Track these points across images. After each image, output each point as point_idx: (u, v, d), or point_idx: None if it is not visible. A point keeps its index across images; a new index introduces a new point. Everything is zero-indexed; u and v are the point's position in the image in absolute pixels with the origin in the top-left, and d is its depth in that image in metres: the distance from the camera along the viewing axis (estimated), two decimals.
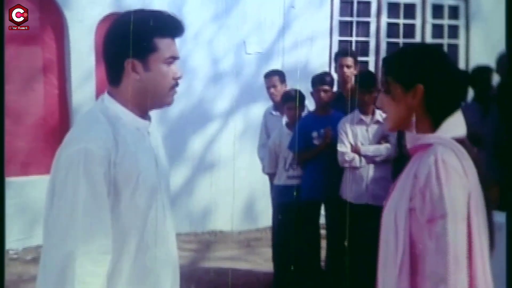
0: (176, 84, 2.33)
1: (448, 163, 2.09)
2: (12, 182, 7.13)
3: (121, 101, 2.29)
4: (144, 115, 2.36)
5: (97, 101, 2.34)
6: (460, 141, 2.19)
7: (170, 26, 2.31)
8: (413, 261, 2.15)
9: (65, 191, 2.11)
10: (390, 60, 2.35)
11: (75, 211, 2.08)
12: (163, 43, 2.27)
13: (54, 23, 7.68)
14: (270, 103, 6.78)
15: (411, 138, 2.27)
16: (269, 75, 6.68)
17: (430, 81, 2.20)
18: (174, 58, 2.32)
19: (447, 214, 2.04)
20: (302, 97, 6.14)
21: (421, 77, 2.20)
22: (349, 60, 6.40)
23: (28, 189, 7.25)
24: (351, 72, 6.32)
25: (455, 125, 2.21)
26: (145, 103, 2.31)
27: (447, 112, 2.21)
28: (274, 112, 6.63)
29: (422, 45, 2.47)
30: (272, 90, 6.55)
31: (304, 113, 6.18)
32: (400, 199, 2.20)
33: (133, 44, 2.23)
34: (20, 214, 7.23)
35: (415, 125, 2.24)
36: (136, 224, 2.21)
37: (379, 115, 5.70)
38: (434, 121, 2.22)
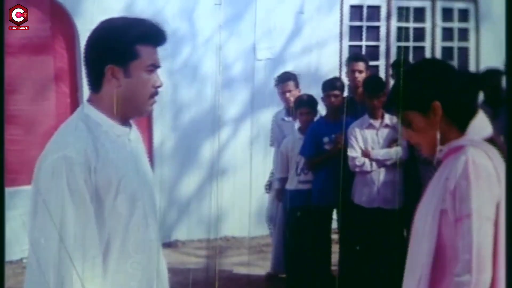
0: (156, 93, 2.32)
1: (479, 164, 2.11)
2: (25, 190, 7.16)
3: (100, 108, 2.28)
4: (125, 122, 2.35)
5: (78, 109, 2.34)
6: (489, 140, 2.21)
7: (153, 34, 2.30)
8: (441, 264, 2.16)
9: (48, 200, 2.12)
10: (395, 97, 2.35)
11: (61, 219, 2.10)
12: (144, 51, 2.27)
13: (65, 32, 7.72)
14: (277, 109, 6.81)
15: (444, 149, 2.27)
16: (283, 80, 6.67)
17: (441, 93, 2.22)
18: (155, 66, 2.31)
19: (472, 213, 2.06)
20: (314, 102, 6.16)
21: (432, 94, 2.22)
22: (360, 65, 6.39)
23: None
24: (362, 77, 6.31)
25: (481, 126, 2.23)
26: (124, 110, 2.30)
27: (469, 115, 2.23)
28: (286, 118, 6.62)
29: (416, 66, 2.48)
30: (287, 95, 6.53)
31: (316, 118, 6.20)
32: (430, 202, 2.22)
33: (114, 50, 2.24)
34: None
35: (440, 138, 2.25)
36: (118, 230, 2.22)
37: (389, 119, 5.71)
38: (460, 127, 2.23)
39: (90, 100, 2.32)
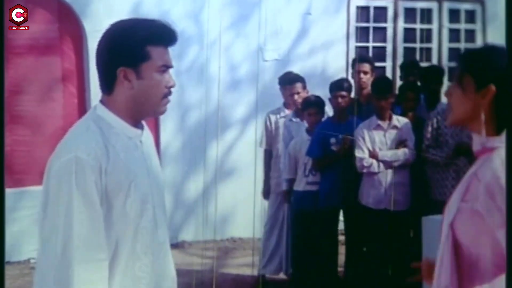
0: (169, 93, 2.31)
1: None
2: (32, 191, 7.18)
3: (113, 109, 2.27)
4: (137, 124, 2.34)
5: (90, 110, 2.34)
6: None
7: (163, 34, 2.29)
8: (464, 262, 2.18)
9: (58, 201, 2.11)
10: (470, 56, 2.33)
11: (69, 220, 2.08)
12: (156, 52, 2.25)
13: (73, 33, 7.74)
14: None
15: (479, 140, 2.23)
16: (291, 82, 6.66)
17: (503, 84, 2.19)
18: (167, 66, 2.30)
19: None
20: (322, 103, 6.16)
21: (495, 79, 2.17)
22: (366, 67, 6.40)
23: None
24: (368, 78, 6.32)
25: None
26: (137, 111, 2.30)
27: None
28: (294, 119, 6.60)
29: (502, 48, 2.44)
30: (295, 97, 6.52)
31: (324, 119, 6.19)
32: (454, 199, 2.22)
33: (125, 52, 2.23)
34: None
35: (484, 127, 2.21)
36: (128, 232, 2.21)
37: (396, 120, 5.71)
38: (499, 124, 2.19)
39: (102, 102, 2.31)
